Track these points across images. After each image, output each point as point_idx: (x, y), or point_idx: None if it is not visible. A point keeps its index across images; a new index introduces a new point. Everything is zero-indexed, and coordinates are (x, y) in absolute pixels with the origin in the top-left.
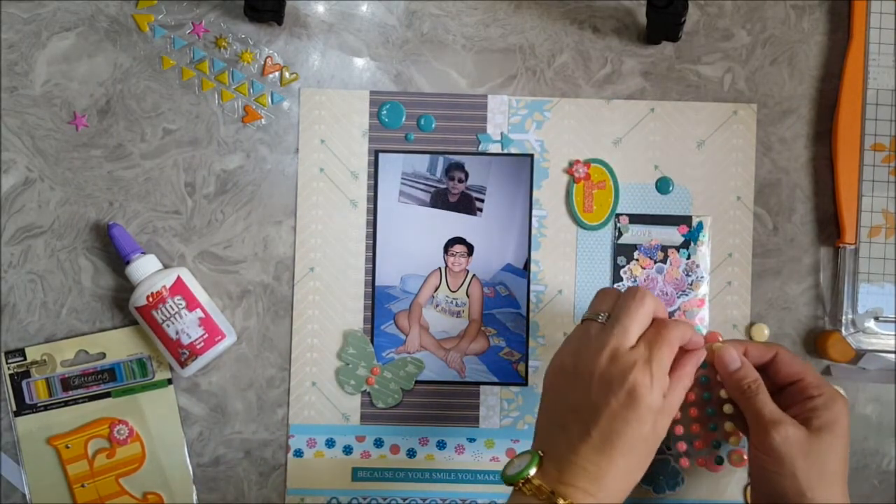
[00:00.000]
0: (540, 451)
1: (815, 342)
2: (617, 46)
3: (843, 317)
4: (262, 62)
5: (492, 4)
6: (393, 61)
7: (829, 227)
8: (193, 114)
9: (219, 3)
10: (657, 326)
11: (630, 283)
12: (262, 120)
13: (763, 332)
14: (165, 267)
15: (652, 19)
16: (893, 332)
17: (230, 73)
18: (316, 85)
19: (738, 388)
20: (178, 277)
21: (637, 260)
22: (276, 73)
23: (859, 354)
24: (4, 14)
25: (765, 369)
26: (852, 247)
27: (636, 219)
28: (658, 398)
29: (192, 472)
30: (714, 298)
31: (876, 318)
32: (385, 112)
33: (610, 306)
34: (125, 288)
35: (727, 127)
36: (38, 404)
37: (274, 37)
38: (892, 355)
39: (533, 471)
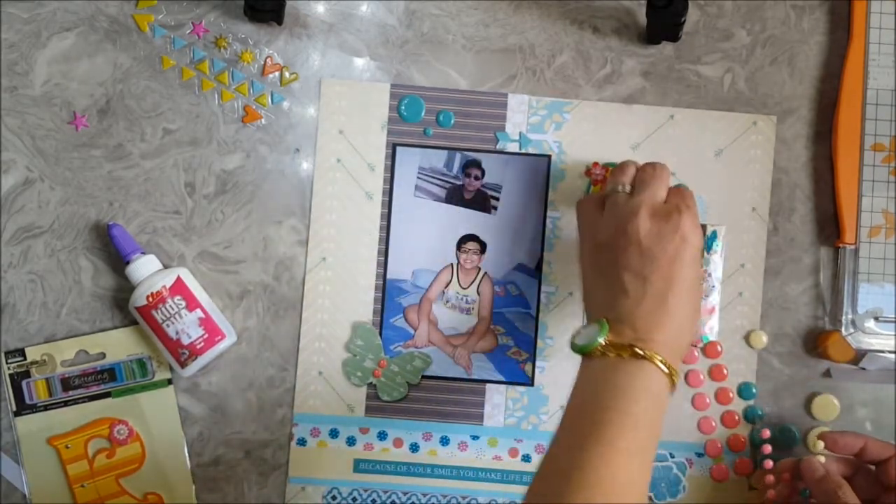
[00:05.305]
0: (605, 319)
1: (815, 342)
2: (617, 46)
3: (843, 317)
4: (262, 62)
5: (492, 4)
6: (393, 61)
7: (829, 227)
8: (193, 114)
9: (219, 3)
10: (678, 189)
11: None
12: (262, 120)
13: (761, 339)
14: (165, 267)
15: (652, 19)
16: (893, 332)
17: (230, 73)
18: (315, 85)
19: (825, 494)
20: (178, 277)
21: None
22: (276, 73)
23: (859, 354)
24: (4, 14)
25: (879, 465)
26: (852, 247)
27: None
28: (700, 241)
29: (191, 472)
30: (724, 308)
31: (876, 318)
32: (405, 106)
33: (630, 178)
34: (125, 288)
35: (746, 137)
36: (38, 404)
37: (274, 37)
38: (892, 355)
39: (604, 335)
